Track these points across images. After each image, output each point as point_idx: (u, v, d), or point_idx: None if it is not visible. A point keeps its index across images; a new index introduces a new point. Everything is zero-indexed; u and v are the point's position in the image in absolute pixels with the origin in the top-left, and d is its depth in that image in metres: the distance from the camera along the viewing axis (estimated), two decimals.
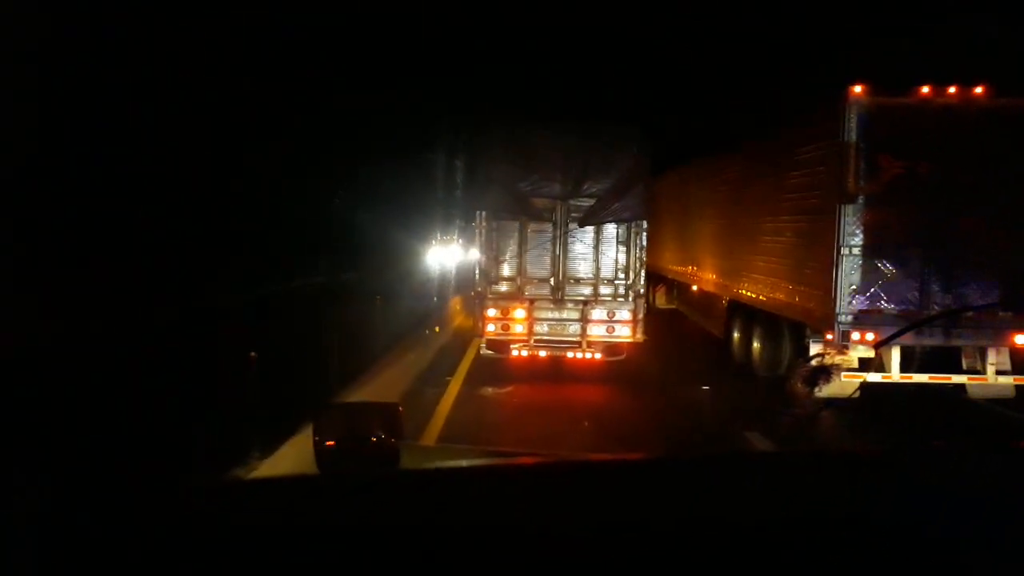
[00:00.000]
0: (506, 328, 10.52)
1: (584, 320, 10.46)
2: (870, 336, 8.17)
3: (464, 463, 1.95)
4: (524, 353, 10.58)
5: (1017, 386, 8.58)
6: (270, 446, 5.65)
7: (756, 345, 11.19)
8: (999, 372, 8.58)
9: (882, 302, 8.34)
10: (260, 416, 5.68)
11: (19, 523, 1.00)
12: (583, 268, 10.51)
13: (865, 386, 7.88)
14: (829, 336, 8.47)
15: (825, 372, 1.95)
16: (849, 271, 8.29)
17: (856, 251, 8.28)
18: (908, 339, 8.04)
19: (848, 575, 0.95)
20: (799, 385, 1.98)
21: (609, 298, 10.48)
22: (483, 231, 10.56)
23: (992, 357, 8.58)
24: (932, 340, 8.41)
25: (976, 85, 8.23)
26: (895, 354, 8.52)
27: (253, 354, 5.83)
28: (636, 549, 0.97)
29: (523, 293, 10.51)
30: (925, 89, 8.26)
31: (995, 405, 8.78)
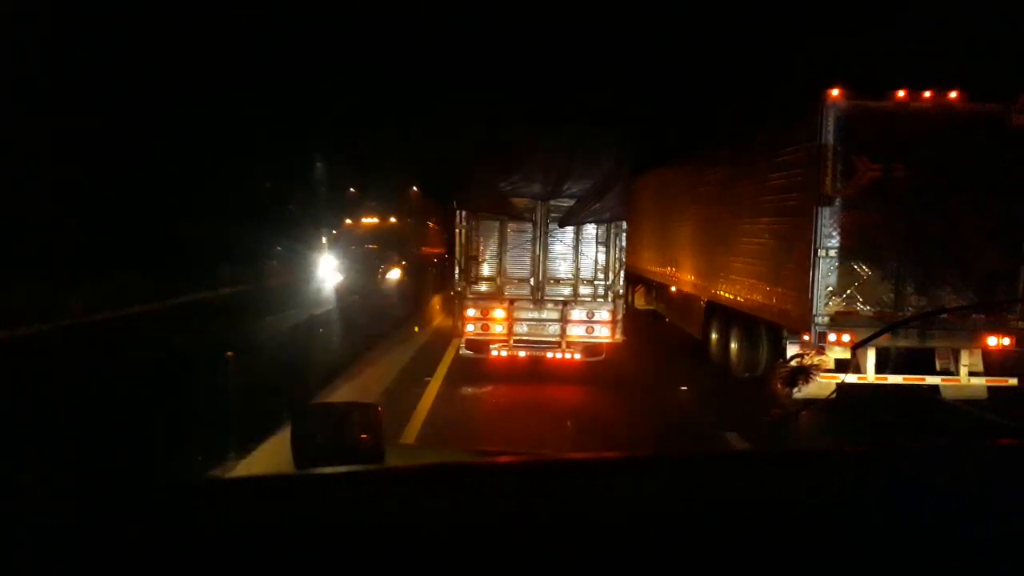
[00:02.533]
0: (486, 328, 10.51)
1: (564, 320, 10.48)
2: (846, 337, 8.25)
3: (446, 461, 1.94)
4: (504, 353, 10.58)
5: (990, 387, 8.70)
6: (247, 447, 5.61)
7: (734, 346, 11.27)
8: (972, 373, 8.70)
9: (858, 304, 8.43)
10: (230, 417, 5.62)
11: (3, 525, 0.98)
12: (563, 268, 10.53)
13: (841, 387, 7.96)
14: (806, 337, 8.54)
15: (805, 372, 1.95)
16: (826, 273, 8.37)
17: (833, 253, 8.35)
18: (883, 340, 8.13)
19: (831, 571, 0.95)
20: (779, 385, 1.98)
21: (589, 298, 10.51)
22: (463, 230, 10.54)
23: (965, 359, 8.70)
24: (907, 341, 8.51)
25: (951, 90, 8.34)
26: (870, 355, 8.62)
27: (230, 353, 5.77)
28: (619, 545, 0.96)
29: (503, 293, 10.51)
30: (901, 93, 8.36)
31: (968, 406, 8.90)
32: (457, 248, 10.63)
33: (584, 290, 10.52)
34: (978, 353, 8.72)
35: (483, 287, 10.57)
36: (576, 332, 10.52)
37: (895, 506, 1.13)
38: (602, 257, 10.51)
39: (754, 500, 1.15)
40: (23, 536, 0.96)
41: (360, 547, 0.95)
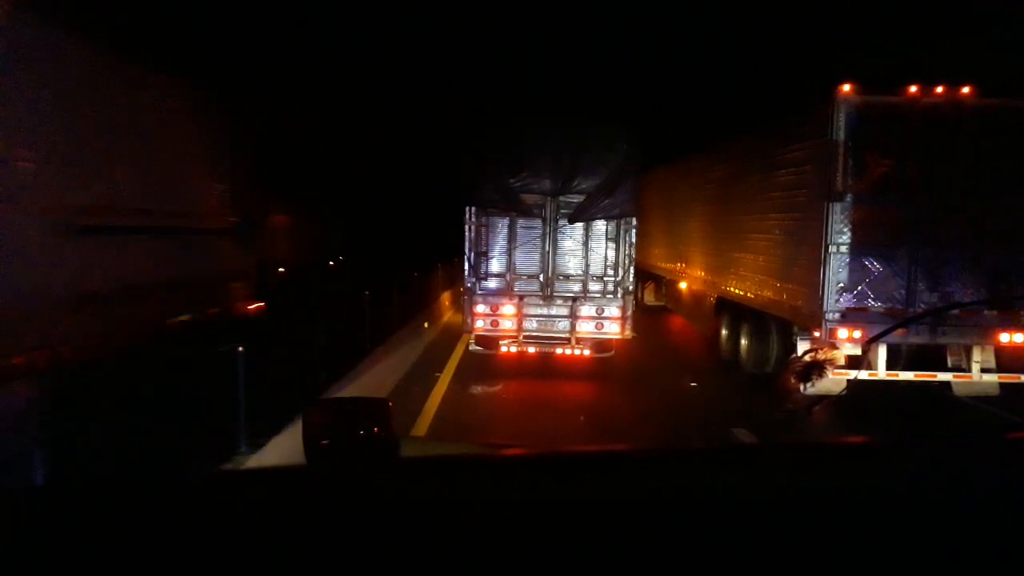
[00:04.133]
0: (495, 324, 10.52)
1: (573, 316, 10.48)
2: (857, 334, 8.22)
3: (459, 454, 1.94)
4: (513, 349, 10.59)
5: (1001, 384, 8.65)
6: (258, 441, 5.63)
7: (744, 342, 11.24)
8: (984, 370, 8.65)
9: (869, 300, 8.39)
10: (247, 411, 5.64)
11: (12, 515, 0.99)
12: (572, 264, 10.52)
13: (852, 383, 7.93)
14: (816, 333, 8.52)
15: (819, 368, 1.95)
16: (836, 269, 8.33)
17: (844, 249, 8.32)
18: (894, 337, 8.09)
19: (841, 560, 0.95)
20: (793, 380, 1.98)
21: (598, 295, 10.50)
22: (472, 227, 10.54)
23: (977, 355, 8.65)
24: (918, 338, 8.47)
25: (963, 85, 8.28)
26: (881, 352, 8.58)
27: (240, 348, 5.79)
28: (630, 536, 0.97)
29: (512, 289, 10.51)
30: (913, 88, 8.31)
31: (980, 403, 8.86)
32: (467, 244, 10.64)
33: (594, 286, 10.51)
34: (990, 349, 8.67)
35: (493, 283, 10.58)
36: (586, 328, 10.52)
37: (904, 497, 1.13)
38: (612, 253, 10.49)
39: (764, 492, 1.15)
40: (34, 528, 0.97)
41: (375, 539, 0.96)
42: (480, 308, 10.53)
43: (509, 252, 10.50)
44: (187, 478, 1.27)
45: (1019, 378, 8.55)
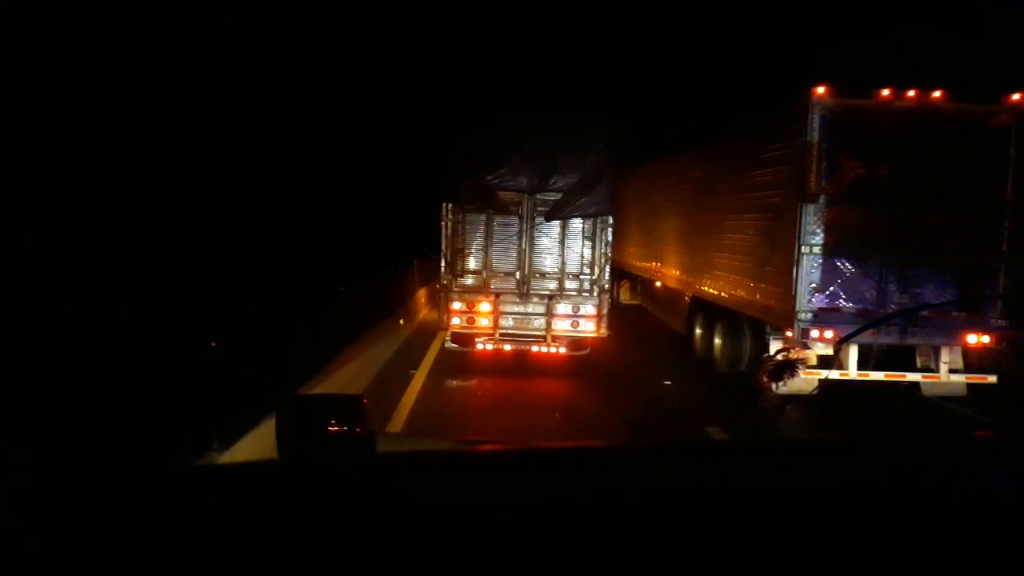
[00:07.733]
0: (471, 321, 10.51)
1: (549, 314, 10.50)
2: (829, 334, 8.32)
3: (433, 449, 1.94)
4: (489, 347, 10.59)
5: (969, 384, 8.80)
6: (230, 437, 5.58)
7: (717, 341, 11.33)
8: (952, 371, 8.79)
9: (841, 300, 8.50)
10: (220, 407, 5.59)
11: None
12: (549, 262, 10.53)
13: (823, 383, 8.02)
14: (789, 333, 8.60)
15: (791, 367, 1.97)
16: (809, 270, 8.43)
17: (816, 250, 8.41)
18: (865, 337, 8.20)
19: (810, 553, 0.97)
20: (765, 380, 2.00)
21: (574, 293, 10.52)
22: (449, 223, 10.52)
23: (945, 356, 8.79)
24: (888, 338, 8.59)
25: (935, 89, 8.40)
26: (852, 352, 8.69)
27: (214, 344, 5.73)
28: (601, 528, 0.98)
29: (489, 287, 10.50)
30: (886, 92, 8.41)
31: (948, 402, 9.00)
32: (443, 241, 10.61)
33: (570, 284, 10.54)
34: (958, 350, 8.82)
35: (469, 280, 10.57)
36: (561, 326, 10.54)
37: (878, 492, 1.15)
38: (588, 251, 10.53)
39: (737, 487, 1.16)
40: (11, 524, 0.96)
41: (350, 534, 0.96)
42: (456, 305, 10.51)
43: (486, 249, 10.49)
44: (159, 473, 1.26)
45: (986, 379, 8.71)
